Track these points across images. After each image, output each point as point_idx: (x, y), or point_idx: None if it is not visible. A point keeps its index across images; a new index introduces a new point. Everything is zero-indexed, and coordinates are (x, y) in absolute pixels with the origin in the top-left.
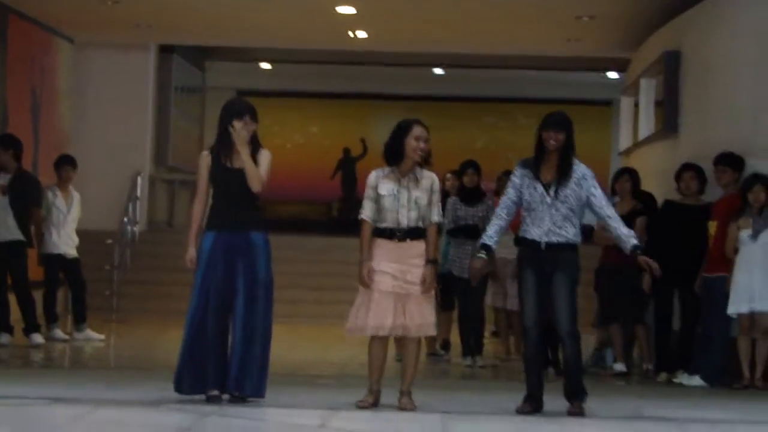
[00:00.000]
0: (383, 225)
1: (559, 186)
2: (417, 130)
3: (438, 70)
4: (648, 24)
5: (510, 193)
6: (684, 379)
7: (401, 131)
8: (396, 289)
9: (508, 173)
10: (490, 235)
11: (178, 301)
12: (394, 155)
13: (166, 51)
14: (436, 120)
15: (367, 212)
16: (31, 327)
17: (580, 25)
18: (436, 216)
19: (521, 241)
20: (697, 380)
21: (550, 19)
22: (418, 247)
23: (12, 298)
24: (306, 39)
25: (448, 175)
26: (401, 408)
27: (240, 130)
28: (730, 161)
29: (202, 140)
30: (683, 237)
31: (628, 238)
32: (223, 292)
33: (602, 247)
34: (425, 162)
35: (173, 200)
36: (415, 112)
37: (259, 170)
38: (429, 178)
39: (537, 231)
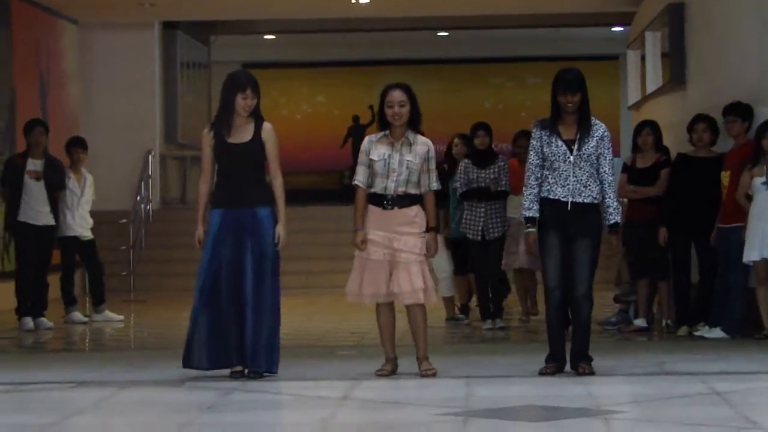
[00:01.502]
0: (373, 190)
1: (582, 143)
2: (388, 97)
3: (442, 33)
4: None
5: (532, 158)
6: (705, 331)
7: (380, 99)
8: (386, 256)
9: (524, 133)
10: (529, 206)
11: (195, 277)
12: (382, 122)
13: (169, 27)
14: (443, 83)
15: (359, 177)
16: (29, 311)
17: None
18: (434, 183)
19: (543, 202)
20: (717, 332)
21: None
22: (406, 214)
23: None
24: (309, 8)
25: (456, 140)
26: (423, 374)
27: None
28: (739, 111)
29: (210, 115)
30: (698, 189)
31: (614, 213)
32: (234, 269)
33: (629, 201)
34: (411, 125)
35: (185, 177)
36: (421, 75)
37: (268, 153)
38: (424, 144)
39: (561, 190)
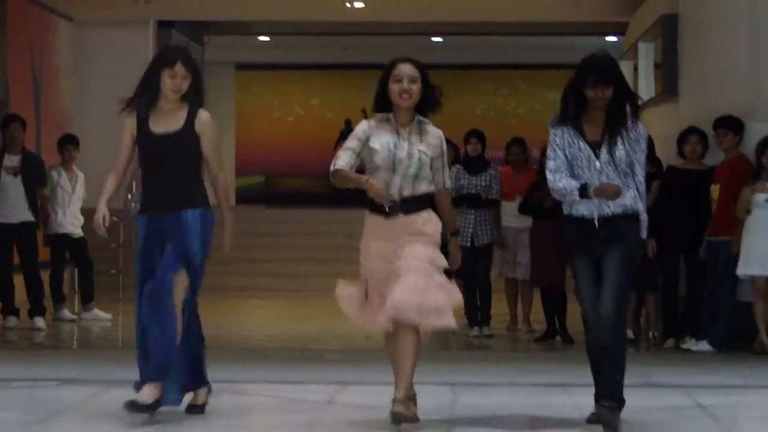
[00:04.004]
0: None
1: (612, 146)
2: (396, 70)
3: (436, 38)
4: None
5: (558, 154)
6: (691, 344)
7: (385, 73)
8: (385, 275)
9: (516, 141)
10: (570, 184)
11: None
12: (381, 105)
13: (164, 26)
14: None
15: (341, 162)
16: (36, 310)
17: None
18: (449, 181)
19: (568, 219)
20: (704, 345)
21: None
22: (414, 222)
23: (18, 280)
24: (304, 11)
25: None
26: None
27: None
28: (730, 124)
29: None
30: (687, 202)
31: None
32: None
33: None
34: (425, 106)
35: None
36: None
37: (204, 149)
38: (437, 136)
39: (585, 206)
